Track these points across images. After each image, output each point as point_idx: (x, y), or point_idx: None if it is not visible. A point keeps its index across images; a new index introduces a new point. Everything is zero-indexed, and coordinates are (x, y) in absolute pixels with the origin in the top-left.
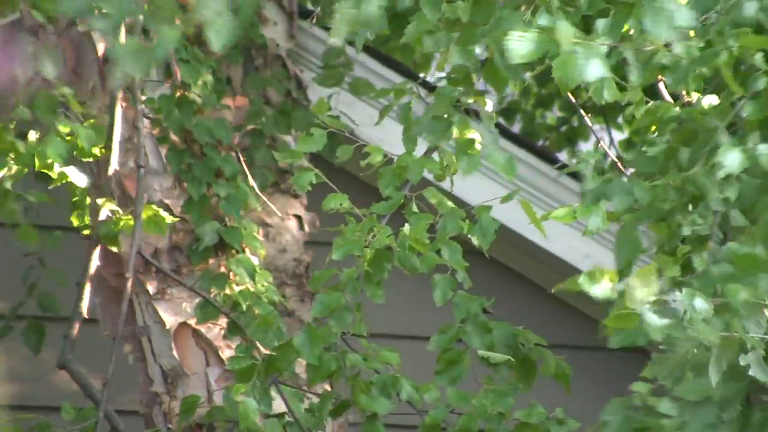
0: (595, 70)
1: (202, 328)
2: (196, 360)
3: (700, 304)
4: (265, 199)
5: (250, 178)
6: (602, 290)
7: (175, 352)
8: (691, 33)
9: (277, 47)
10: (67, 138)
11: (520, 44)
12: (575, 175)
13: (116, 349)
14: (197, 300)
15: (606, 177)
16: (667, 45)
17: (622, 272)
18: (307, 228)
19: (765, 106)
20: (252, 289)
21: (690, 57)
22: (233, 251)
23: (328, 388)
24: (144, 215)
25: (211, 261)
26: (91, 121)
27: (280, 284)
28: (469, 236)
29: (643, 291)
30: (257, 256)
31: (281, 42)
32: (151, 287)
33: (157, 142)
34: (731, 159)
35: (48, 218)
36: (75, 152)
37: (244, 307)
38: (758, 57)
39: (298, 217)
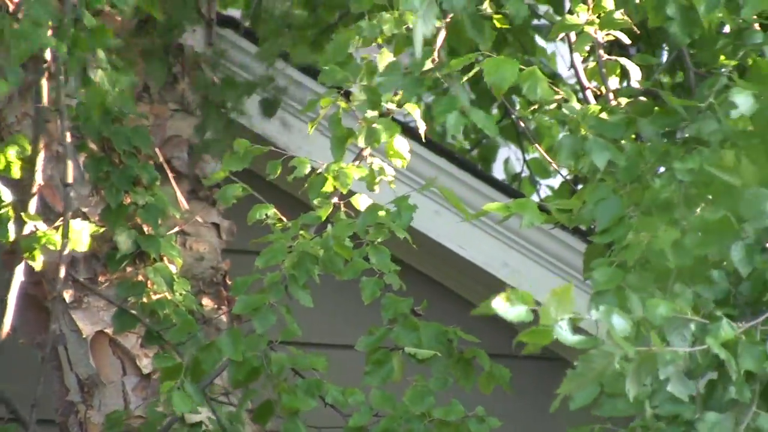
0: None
1: (119, 337)
2: (113, 369)
3: (618, 320)
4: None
5: (175, 185)
6: (517, 313)
7: (91, 361)
8: None
9: (195, 54)
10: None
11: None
12: (494, 183)
13: (44, 368)
14: (114, 309)
15: (581, 135)
16: None
17: (609, 230)
18: (224, 236)
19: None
20: (170, 298)
21: None
22: (151, 259)
23: None
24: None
25: (128, 269)
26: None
27: (198, 292)
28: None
29: (558, 309)
30: (175, 265)
31: (199, 49)
32: (67, 295)
33: (75, 150)
34: (743, 101)
35: None
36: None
37: (161, 315)
38: None
39: (216, 225)
